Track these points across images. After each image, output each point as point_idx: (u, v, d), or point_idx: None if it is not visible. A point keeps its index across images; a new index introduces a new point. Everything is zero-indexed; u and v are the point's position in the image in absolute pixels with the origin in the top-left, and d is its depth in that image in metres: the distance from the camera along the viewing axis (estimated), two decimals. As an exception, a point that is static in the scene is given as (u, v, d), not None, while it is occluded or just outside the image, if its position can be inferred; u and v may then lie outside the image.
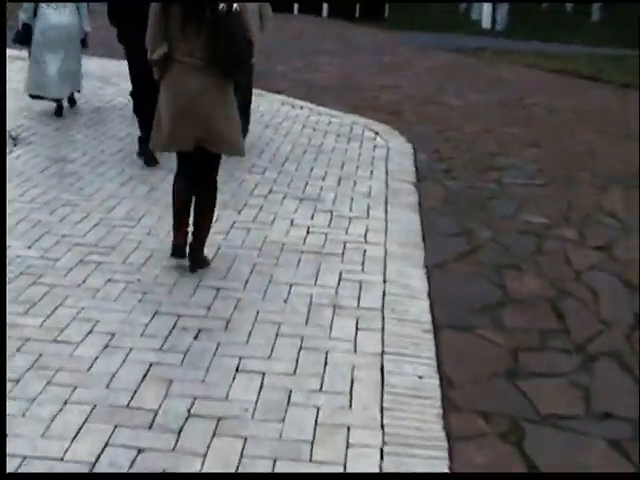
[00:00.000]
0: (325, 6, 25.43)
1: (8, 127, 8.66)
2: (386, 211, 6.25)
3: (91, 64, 11.61)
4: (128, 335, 4.13)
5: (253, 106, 9.49)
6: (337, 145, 8.36)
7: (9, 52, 13.91)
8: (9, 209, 6.02)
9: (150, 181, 6.81)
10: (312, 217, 6.05)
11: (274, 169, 7.30)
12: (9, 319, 4.24)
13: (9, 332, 4.11)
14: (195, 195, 4.96)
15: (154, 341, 4.07)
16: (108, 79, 11.68)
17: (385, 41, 19.28)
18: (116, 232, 5.59)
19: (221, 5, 4.41)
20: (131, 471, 3.08)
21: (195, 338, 4.12)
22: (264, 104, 10.23)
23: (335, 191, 6.72)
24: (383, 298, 4.69)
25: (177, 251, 4.95)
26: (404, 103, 11.15)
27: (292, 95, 11.04)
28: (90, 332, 4.15)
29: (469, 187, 7.28)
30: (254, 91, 10.26)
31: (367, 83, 12.70)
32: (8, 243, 5.33)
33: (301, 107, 10.23)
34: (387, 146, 8.39)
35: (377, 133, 8.94)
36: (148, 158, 7.27)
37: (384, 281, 4.93)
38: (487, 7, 23.94)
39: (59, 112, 9.27)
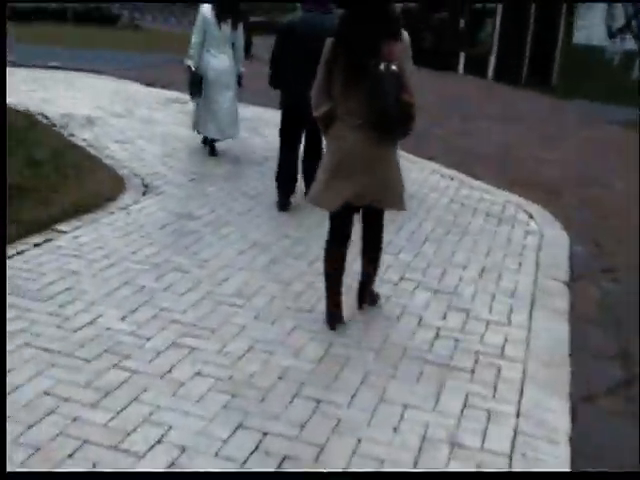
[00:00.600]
0: (491, 68, 24.62)
1: (144, 172, 8.37)
2: (530, 317, 5.40)
3: (244, 112, 11.34)
4: (201, 452, 3.48)
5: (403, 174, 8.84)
6: (486, 227, 7.55)
7: (168, 94, 13.96)
8: (118, 269, 5.58)
9: (273, 251, 6.23)
10: (444, 316, 5.27)
11: (411, 250, 6.57)
12: (75, 411, 3.70)
13: (70, 428, 3.56)
14: (363, 252, 5.10)
15: (228, 465, 3.41)
16: (257, 129, 11.37)
17: (550, 109, 18.28)
18: (221, 311, 5.00)
19: (382, 64, 4.32)
20: None
21: (277, 468, 3.42)
22: (414, 172, 9.55)
23: (475, 284, 5.91)
24: (514, 438, 3.85)
25: (333, 318, 4.89)
26: (564, 181, 10.16)
27: (444, 163, 10.31)
28: (158, 442, 3.53)
29: (631, 292, 6.30)
30: (407, 156, 9.64)
31: (526, 155, 11.81)
32: (103, 311, 4.85)
33: (452, 178, 9.48)
34: (540, 233, 7.51)
35: (531, 216, 8.07)
36: (282, 204, 7.49)
37: (517, 414, 4.09)
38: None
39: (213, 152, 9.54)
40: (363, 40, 4.40)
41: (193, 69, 9.10)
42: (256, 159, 9.48)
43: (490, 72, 24.70)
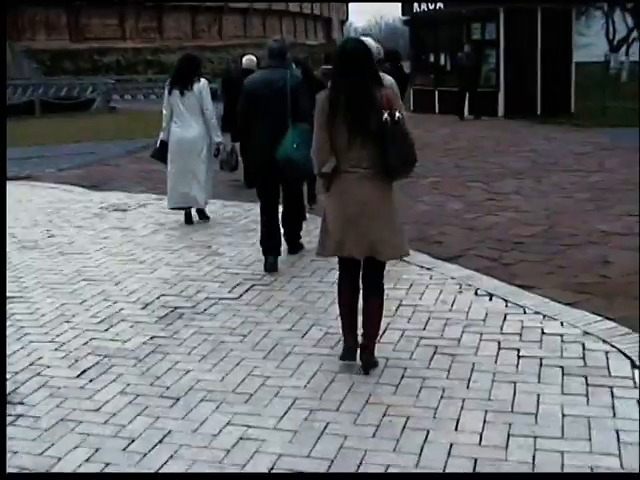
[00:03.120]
0: (500, 103, 21.59)
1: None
2: None
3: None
4: None
5: (408, 302, 5.83)
6: (567, 408, 4.39)
7: (113, 198, 11.06)
8: None
9: None
10: None
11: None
12: None
13: None
14: (364, 300, 4.94)
15: None
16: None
17: (583, 146, 15.20)
18: None
19: (385, 115, 4.52)
20: None
21: None
22: (430, 291, 6.42)
23: None
24: None
25: (348, 354, 4.93)
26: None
27: (473, 264, 7.21)
28: None
29: None
30: (420, 258, 6.64)
31: (579, 228, 8.68)
32: None
33: (490, 295, 6.32)
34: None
35: (634, 363, 4.92)
36: (270, 264, 7.10)
37: None
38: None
39: (189, 220, 9.22)
40: (360, 94, 4.60)
41: (159, 140, 8.98)
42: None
43: (500, 109, 21.69)
